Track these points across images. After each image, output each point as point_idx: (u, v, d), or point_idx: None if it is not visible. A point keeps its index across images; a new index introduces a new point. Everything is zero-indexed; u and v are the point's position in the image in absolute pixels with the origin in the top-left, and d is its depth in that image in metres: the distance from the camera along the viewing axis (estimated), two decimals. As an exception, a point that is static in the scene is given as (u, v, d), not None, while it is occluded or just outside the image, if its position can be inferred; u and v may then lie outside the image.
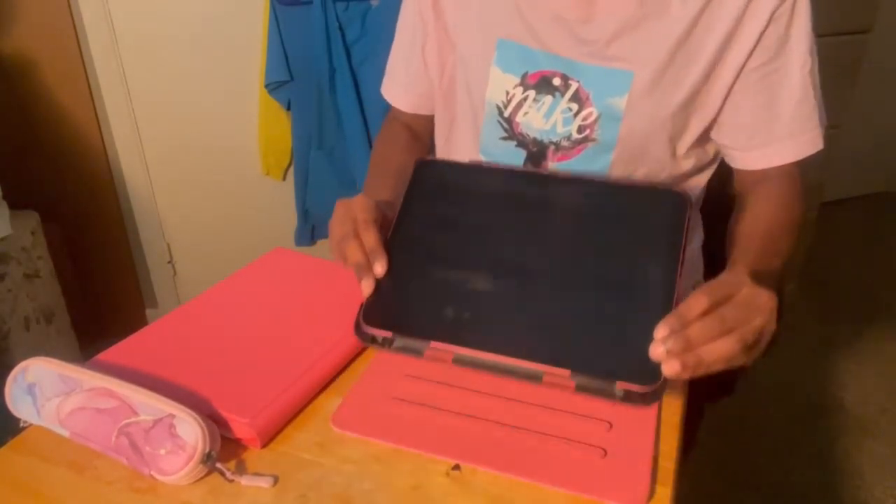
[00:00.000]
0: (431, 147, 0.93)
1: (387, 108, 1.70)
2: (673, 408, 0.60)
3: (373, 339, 0.59)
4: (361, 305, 0.60)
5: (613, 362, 0.54)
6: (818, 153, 0.77)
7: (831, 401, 1.76)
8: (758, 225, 0.72)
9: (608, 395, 0.53)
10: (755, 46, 0.71)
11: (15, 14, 1.60)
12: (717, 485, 1.51)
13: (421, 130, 0.94)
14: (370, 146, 1.75)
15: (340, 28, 1.60)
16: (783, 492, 1.50)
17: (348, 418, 0.58)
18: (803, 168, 0.78)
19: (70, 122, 1.73)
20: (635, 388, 0.52)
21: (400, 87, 0.92)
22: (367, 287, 0.61)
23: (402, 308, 0.61)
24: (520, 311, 0.59)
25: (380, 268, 0.61)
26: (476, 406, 0.59)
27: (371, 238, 0.63)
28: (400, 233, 0.66)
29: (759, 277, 0.56)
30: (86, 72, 1.69)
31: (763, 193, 0.76)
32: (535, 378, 0.54)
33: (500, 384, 0.59)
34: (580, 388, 0.53)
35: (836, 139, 1.85)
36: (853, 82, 1.77)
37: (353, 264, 0.63)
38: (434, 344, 0.57)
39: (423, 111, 0.92)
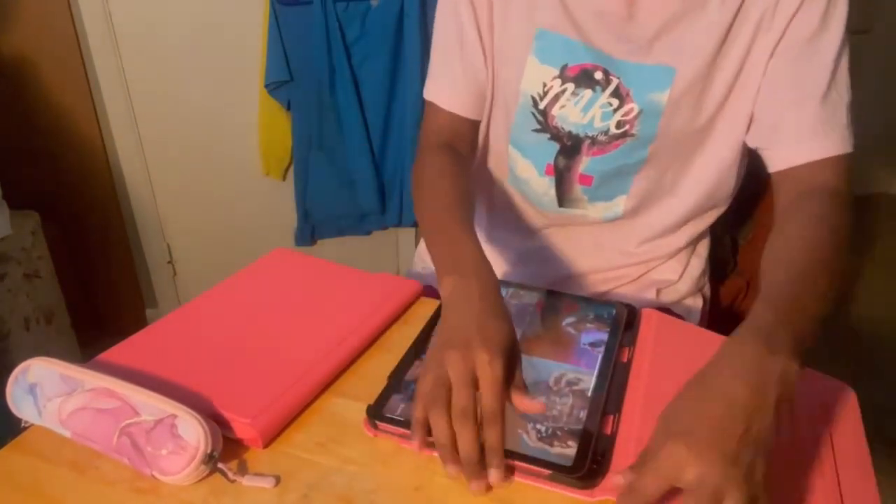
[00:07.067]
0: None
1: (387, 107, 1.73)
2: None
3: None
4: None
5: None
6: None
7: (831, 401, 1.75)
8: (790, 256, 0.62)
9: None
10: (785, 34, 0.69)
11: (15, 14, 1.59)
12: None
13: (462, 144, 0.84)
14: (370, 146, 1.75)
15: (340, 28, 1.60)
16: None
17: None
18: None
19: (70, 122, 1.72)
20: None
21: (449, 88, 0.83)
22: (475, 487, 0.50)
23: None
24: None
25: (496, 475, 0.50)
26: None
27: (495, 432, 0.51)
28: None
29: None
30: (86, 72, 1.69)
31: (800, 215, 0.67)
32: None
33: None
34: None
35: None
36: (853, 82, 1.77)
37: (463, 454, 0.50)
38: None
39: (469, 114, 0.83)
